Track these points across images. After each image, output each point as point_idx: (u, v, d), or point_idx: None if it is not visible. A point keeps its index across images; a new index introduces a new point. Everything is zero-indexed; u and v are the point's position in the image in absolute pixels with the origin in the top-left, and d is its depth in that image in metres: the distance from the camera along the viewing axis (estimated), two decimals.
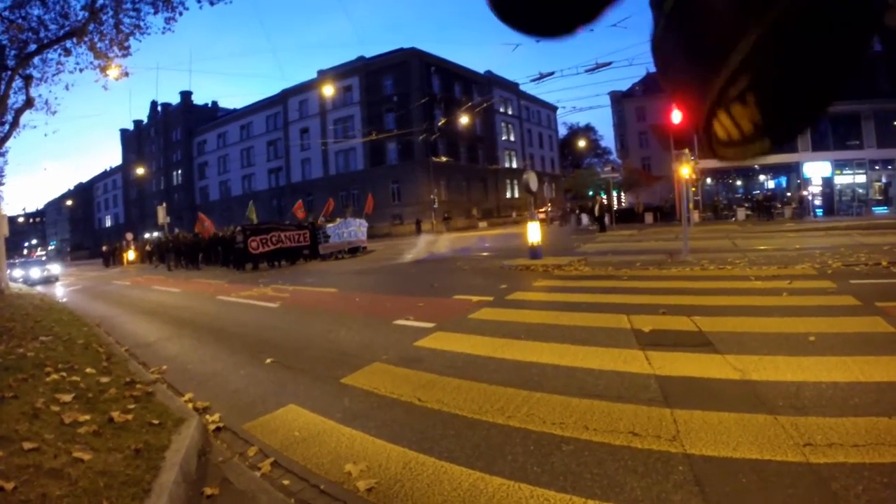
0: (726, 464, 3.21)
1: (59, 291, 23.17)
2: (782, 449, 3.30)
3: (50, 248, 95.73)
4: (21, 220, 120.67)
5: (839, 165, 35.95)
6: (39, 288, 25.18)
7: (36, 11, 13.89)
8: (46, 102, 16.91)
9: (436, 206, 53.81)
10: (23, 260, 45.42)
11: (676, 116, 14.31)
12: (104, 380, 5.62)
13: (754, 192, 38.30)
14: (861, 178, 35.94)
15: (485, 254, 20.10)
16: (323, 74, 62.22)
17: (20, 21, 13.75)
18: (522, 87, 54.90)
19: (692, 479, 3.08)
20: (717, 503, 2.82)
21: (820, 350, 5.18)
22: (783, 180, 38.21)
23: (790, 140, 0.71)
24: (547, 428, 3.94)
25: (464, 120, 43.92)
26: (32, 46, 14.52)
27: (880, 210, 34.16)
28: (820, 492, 2.83)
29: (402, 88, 57.85)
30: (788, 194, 36.83)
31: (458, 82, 64.54)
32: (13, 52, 14.70)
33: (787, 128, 0.69)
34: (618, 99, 63.64)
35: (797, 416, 3.73)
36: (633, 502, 2.92)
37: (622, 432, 3.75)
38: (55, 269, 32.78)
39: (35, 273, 30.64)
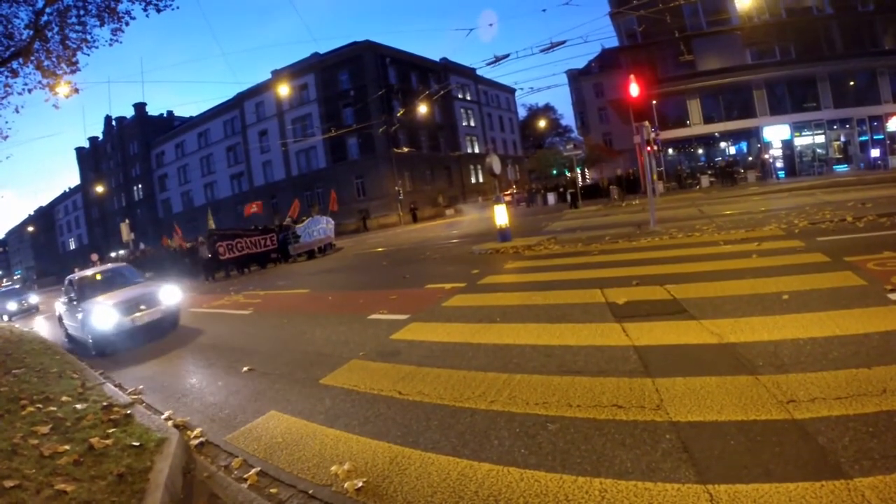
0: (712, 428, 3.20)
1: (29, 320, 22.62)
2: (766, 408, 3.30)
3: (15, 277, 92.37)
4: None
5: (798, 127, 36.66)
6: (16, 323, 21.66)
7: None
8: None
9: (401, 197, 53.58)
10: None
11: (634, 90, 14.39)
12: (81, 407, 5.48)
13: (716, 159, 38.83)
14: (820, 139, 36.73)
15: (454, 241, 20.02)
16: (277, 74, 61.30)
17: None
18: (479, 72, 54.60)
19: (680, 446, 3.06)
20: (707, 467, 2.80)
21: (794, 308, 5.22)
22: (744, 145, 38.80)
23: None
24: (530, 409, 3.90)
25: (422, 109, 43.65)
26: None
27: (841, 168, 35.00)
28: (807, 446, 2.83)
29: (358, 82, 57.24)
30: (750, 159, 37.41)
31: (414, 72, 64.07)
32: None
33: None
34: (575, 77, 63.94)
35: (778, 375, 3.75)
36: (623, 475, 2.88)
37: (606, 406, 3.72)
38: (33, 298, 30.42)
39: (12, 306, 28.39)
